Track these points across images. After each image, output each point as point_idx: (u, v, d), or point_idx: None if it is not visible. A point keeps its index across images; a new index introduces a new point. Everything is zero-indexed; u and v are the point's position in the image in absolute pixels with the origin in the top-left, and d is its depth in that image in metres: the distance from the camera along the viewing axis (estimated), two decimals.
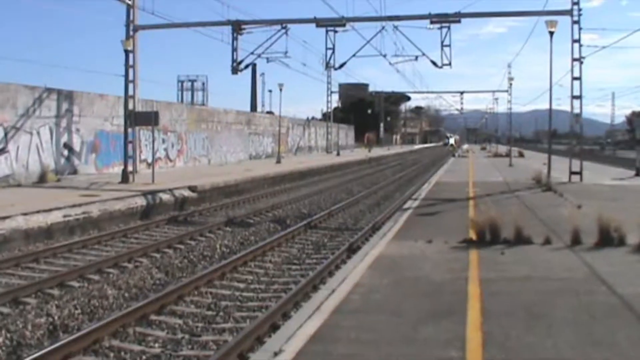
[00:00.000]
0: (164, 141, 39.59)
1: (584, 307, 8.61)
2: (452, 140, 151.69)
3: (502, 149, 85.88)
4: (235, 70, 31.40)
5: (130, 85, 29.69)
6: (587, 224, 13.91)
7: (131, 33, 29.64)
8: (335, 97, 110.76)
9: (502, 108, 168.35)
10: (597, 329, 7.65)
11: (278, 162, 49.08)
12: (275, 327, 9.42)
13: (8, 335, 9.37)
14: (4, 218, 16.64)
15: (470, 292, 9.54)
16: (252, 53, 32.16)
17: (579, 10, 28.30)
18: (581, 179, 30.20)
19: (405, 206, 22.18)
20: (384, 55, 36.09)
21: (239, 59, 31.45)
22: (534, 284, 10.11)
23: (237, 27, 30.65)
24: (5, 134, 26.04)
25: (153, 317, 10.56)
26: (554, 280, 10.34)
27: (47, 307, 10.78)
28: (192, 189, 26.52)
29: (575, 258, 12.07)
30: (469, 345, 7.10)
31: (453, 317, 8.19)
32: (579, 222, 13.89)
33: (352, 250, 15.48)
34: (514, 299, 9.07)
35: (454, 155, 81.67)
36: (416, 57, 36.84)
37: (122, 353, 8.93)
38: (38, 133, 27.97)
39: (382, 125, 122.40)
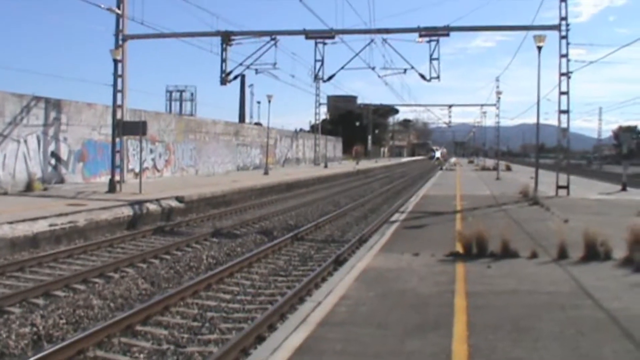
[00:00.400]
0: (151, 151, 39.54)
1: (571, 321, 8.62)
2: (438, 154, 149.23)
3: (490, 162, 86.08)
4: (224, 81, 31.39)
5: (119, 95, 29.68)
6: (573, 238, 13.97)
7: (120, 42, 29.66)
8: (323, 109, 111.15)
9: (490, 122, 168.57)
10: (584, 343, 7.66)
11: (266, 173, 49.03)
12: (261, 339, 9.39)
13: None
14: None
15: (457, 305, 9.53)
16: (241, 64, 32.19)
17: (567, 25, 28.54)
18: (568, 193, 30.35)
19: (393, 219, 22.20)
20: (373, 68, 36.18)
21: (228, 69, 31.45)
22: (521, 297, 10.12)
23: (227, 38, 30.66)
24: None
25: (138, 327, 10.51)
26: (540, 294, 10.35)
27: (31, 316, 10.71)
28: (179, 199, 26.46)
29: (561, 272, 12.10)
30: (455, 358, 7.09)
31: (439, 330, 8.18)
32: (566, 236, 13.95)
33: (339, 262, 15.45)
34: (501, 313, 9.07)
35: (441, 169, 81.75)
36: (405, 70, 36.82)
37: None
38: (25, 141, 27.88)
39: (370, 137, 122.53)
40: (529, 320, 8.66)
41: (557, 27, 28.54)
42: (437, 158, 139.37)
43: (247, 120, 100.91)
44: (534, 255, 13.56)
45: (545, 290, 10.61)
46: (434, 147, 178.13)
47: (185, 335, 10.21)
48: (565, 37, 28.51)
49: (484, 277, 11.68)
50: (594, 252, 13.33)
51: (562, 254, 13.46)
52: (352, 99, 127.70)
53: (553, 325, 8.41)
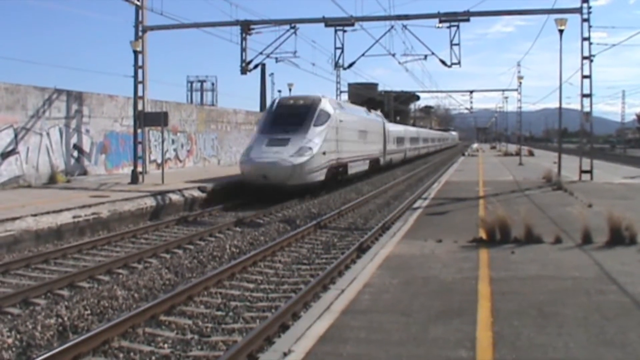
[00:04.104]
0: (173, 142, 39.62)
1: (595, 306, 8.55)
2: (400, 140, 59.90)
3: (512, 147, 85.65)
4: (244, 71, 31.38)
5: (140, 86, 29.70)
6: (597, 222, 13.88)
7: (140, 34, 29.68)
8: (344, 97, 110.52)
9: (511, 107, 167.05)
10: (609, 328, 7.60)
11: None
12: (284, 327, 9.42)
13: (18, 336, 9.37)
14: (15, 219, 16.68)
15: (481, 291, 9.50)
16: (261, 53, 32.12)
17: (589, 8, 28.17)
18: (591, 178, 30.09)
19: (415, 205, 22.14)
20: (393, 55, 36.01)
21: (248, 59, 31.44)
22: (545, 283, 10.06)
23: (246, 27, 30.65)
24: (16, 135, 26.10)
25: (163, 317, 10.57)
26: (564, 279, 10.28)
27: (56, 307, 10.79)
28: (201, 189, 26.51)
29: (585, 257, 12.02)
30: (479, 345, 7.06)
31: (463, 317, 8.16)
32: (590, 220, 13.85)
33: (362, 250, 15.45)
34: (525, 299, 9.03)
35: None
36: (425, 56, 36.61)
37: (132, 354, 8.93)
38: (48, 134, 28.02)
39: None
40: (553, 306, 8.61)
41: (578, 10, 28.21)
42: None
43: None
44: (557, 241, 13.47)
45: (569, 275, 10.54)
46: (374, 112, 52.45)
47: (210, 325, 10.25)
48: (587, 20, 28.15)
49: (507, 263, 11.63)
50: (618, 237, 13.21)
51: (586, 239, 13.36)
52: (373, 86, 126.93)
53: (578, 310, 8.36)
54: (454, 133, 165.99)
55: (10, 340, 9.19)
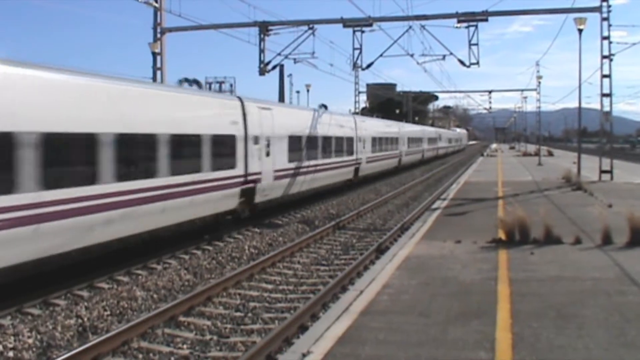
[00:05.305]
0: None
1: (616, 307, 8.50)
2: None
3: (531, 148, 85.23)
4: (262, 72, 31.36)
5: None
6: (618, 223, 13.78)
7: (159, 35, 29.74)
8: (363, 98, 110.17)
9: (530, 107, 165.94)
10: (630, 330, 7.55)
11: None
12: (303, 329, 9.42)
13: (38, 336, 9.44)
14: None
15: (500, 292, 9.46)
16: (279, 54, 32.08)
17: (609, 6, 27.98)
18: (612, 178, 29.92)
19: (434, 206, 22.09)
20: (412, 55, 35.73)
21: (266, 60, 31.41)
22: (564, 284, 10.01)
23: (264, 28, 30.62)
24: None
25: (182, 318, 10.60)
26: (584, 280, 10.23)
27: (76, 308, 10.85)
28: None
29: (606, 258, 11.94)
30: (498, 346, 7.04)
31: (482, 318, 8.13)
32: (610, 221, 13.76)
33: (381, 250, 15.43)
34: (544, 300, 8.98)
35: None
36: (444, 57, 36.30)
37: (151, 354, 8.97)
38: None
39: None
40: (573, 307, 8.56)
41: (598, 9, 28.03)
42: None
43: None
44: (577, 241, 13.41)
45: (589, 276, 10.49)
46: None
47: (228, 326, 10.28)
48: (607, 18, 27.99)
49: (527, 263, 11.58)
50: (639, 238, 13.13)
51: (606, 240, 13.29)
52: (392, 86, 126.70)
53: (598, 312, 8.31)
54: (458, 130, 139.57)
55: (31, 340, 9.24)
